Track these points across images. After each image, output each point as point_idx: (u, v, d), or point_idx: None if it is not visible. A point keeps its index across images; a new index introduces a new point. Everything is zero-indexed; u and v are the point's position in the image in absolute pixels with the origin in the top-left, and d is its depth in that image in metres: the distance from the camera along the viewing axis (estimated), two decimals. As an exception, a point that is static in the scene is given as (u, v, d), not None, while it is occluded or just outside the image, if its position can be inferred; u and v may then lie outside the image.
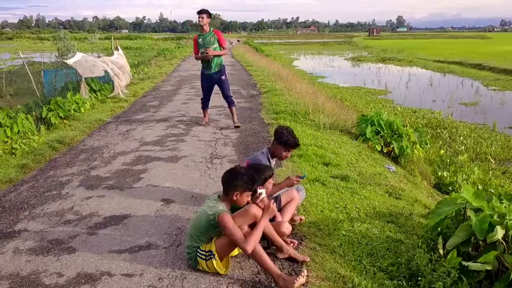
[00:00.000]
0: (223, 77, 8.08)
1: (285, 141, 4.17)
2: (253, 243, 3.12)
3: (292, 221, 4.08)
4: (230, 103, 8.30)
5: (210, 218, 3.23)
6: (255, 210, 3.35)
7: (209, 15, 7.82)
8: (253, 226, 3.31)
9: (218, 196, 3.45)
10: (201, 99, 8.60)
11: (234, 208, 3.47)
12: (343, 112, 11.22)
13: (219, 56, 7.99)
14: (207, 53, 7.70)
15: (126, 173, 5.81)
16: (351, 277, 3.28)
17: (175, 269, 3.38)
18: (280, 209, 3.95)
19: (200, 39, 7.90)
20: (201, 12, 7.75)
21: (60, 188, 5.30)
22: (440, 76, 27.40)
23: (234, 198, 3.34)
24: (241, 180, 3.33)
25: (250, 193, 3.41)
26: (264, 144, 6.87)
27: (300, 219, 4.19)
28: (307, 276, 3.22)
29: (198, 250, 3.28)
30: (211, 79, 8.16)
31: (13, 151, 6.69)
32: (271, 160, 4.29)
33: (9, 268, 3.44)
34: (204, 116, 8.76)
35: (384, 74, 29.56)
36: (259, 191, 3.50)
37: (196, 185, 5.30)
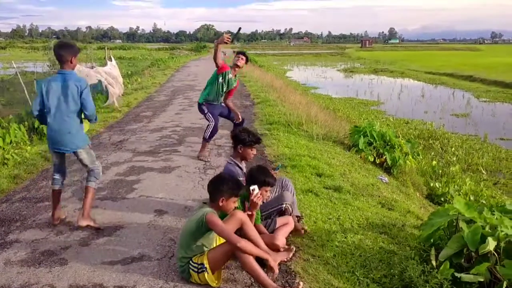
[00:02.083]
0: (223, 105, 7.19)
1: (249, 140, 4.28)
2: (245, 246, 3.12)
3: (297, 231, 4.14)
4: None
5: (199, 221, 3.23)
6: (241, 215, 3.38)
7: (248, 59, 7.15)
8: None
9: (204, 203, 3.46)
10: (214, 127, 7.03)
11: (222, 216, 3.48)
12: (336, 123, 11.30)
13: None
14: (229, 38, 6.38)
15: (119, 183, 5.78)
16: (344, 288, 3.28)
17: (168, 281, 3.36)
18: (273, 231, 3.95)
19: (230, 74, 6.92)
20: (242, 53, 7.07)
21: (53, 198, 5.26)
22: (431, 88, 27.67)
23: (220, 204, 3.34)
24: (227, 185, 3.34)
25: (236, 198, 3.42)
26: (257, 154, 6.86)
27: (304, 230, 4.20)
28: (301, 288, 3.22)
29: (190, 262, 3.27)
30: (218, 108, 7.13)
31: (5, 161, 6.65)
32: (241, 165, 4.34)
33: (0, 280, 3.40)
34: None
35: (377, 85, 29.80)
36: (251, 187, 3.54)
37: (189, 196, 5.29)
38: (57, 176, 4.46)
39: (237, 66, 6.96)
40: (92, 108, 4.21)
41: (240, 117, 7.26)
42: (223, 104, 7.19)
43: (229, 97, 7.21)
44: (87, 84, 4.24)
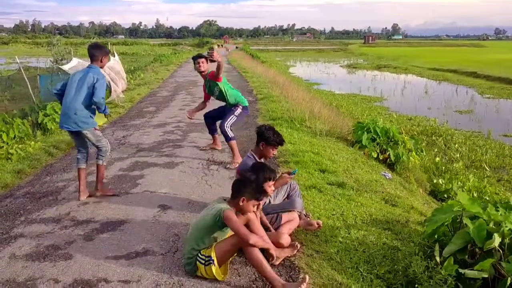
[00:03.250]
0: (233, 108, 6.60)
1: (273, 140, 4.29)
2: (256, 241, 3.15)
3: (309, 225, 4.13)
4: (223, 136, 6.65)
5: (216, 216, 3.26)
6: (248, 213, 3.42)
7: (207, 60, 6.54)
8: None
9: (224, 199, 3.49)
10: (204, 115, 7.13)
11: None
12: (339, 119, 11.27)
13: (226, 90, 6.53)
14: (212, 53, 6.02)
15: (123, 179, 5.80)
16: (348, 284, 3.29)
17: (172, 276, 3.37)
18: (279, 227, 3.95)
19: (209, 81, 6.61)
20: (199, 57, 6.60)
21: (57, 193, 5.28)
22: (435, 84, 27.57)
23: (241, 203, 3.38)
24: (250, 187, 3.39)
25: (257, 203, 3.44)
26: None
27: (318, 224, 4.16)
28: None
29: (199, 254, 3.29)
30: (224, 108, 6.80)
31: (9, 156, 6.68)
32: (258, 161, 4.33)
33: (5, 274, 3.42)
34: (214, 143, 7.38)
35: (380, 81, 29.72)
36: None
37: (193, 191, 5.30)
38: (79, 156, 5.06)
39: (202, 72, 6.56)
40: (99, 96, 4.64)
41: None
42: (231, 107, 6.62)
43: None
44: (105, 79, 4.81)
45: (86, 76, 4.72)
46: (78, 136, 4.92)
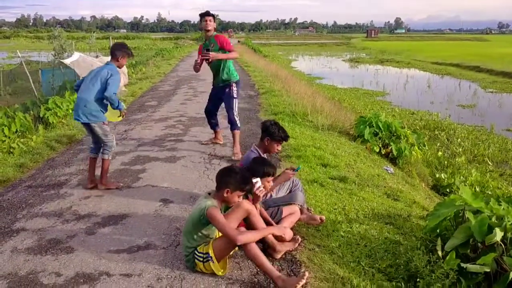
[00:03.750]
0: (227, 90, 6.42)
1: (277, 135, 4.29)
2: (246, 238, 3.12)
3: (312, 220, 4.13)
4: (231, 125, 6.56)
5: (200, 214, 3.22)
6: (247, 205, 3.37)
7: (214, 18, 6.34)
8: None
9: (209, 193, 3.44)
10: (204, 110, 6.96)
11: (227, 208, 3.48)
12: (341, 113, 11.26)
13: (225, 62, 6.27)
14: (208, 55, 5.97)
15: (125, 173, 5.80)
16: (350, 278, 3.28)
17: (174, 270, 3.38)
18: (279, 221, 3.94)
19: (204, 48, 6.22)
20: (206, 14, 6.26)
21: (59, 187, 5.29)
22: (438, 78, 27.48)
23: (225, 195, 3.31)
24: (234, 178, 3.31)
25: (242, 193, 3.38)
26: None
27: (321, 218, 4.16)
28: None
29: (196, 252, 3.28)
30: (216, 92, 6.65)
31: (11, 150, 6.68)
32: (262, 156, 4.33)
33: (7, 268, 3.43)
34: (215, 137, 7.21)
35: (382, 75, 29.63)
36: (254, 180, 3.48)
37: (194, 185, 5.30)
38: (92, 145, 5.25)
39: (208, 31, 6.21)
40: (110, 90, 4.73)
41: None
42: (227, 90, 6.40)
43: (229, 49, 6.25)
44: (119, 76, 4.90)
45: (101, 71, 4.87)
46: (89, 128, 5.02)
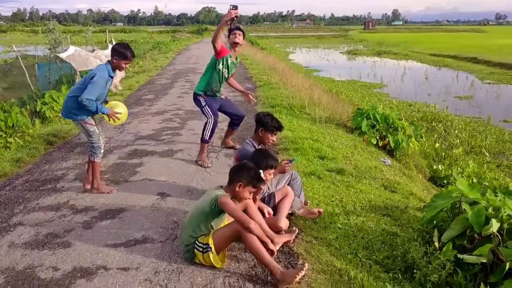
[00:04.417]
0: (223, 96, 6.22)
1: (271, 125, 4.35)
2: (255, 226, 3.15)
3: (311, 213, 4.15)
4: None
5: (212, 203, 3.25)
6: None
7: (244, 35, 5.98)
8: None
9: (221, 186, 3.48)
10: (213, 124, 5.98)
11: None
12: (338, 105, 11.25)
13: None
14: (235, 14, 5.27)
15: (122, 167, 5.79)
16: (347, 270, 3.29)
17: (171, 263, 3.38)
18: (275, 205, 3.95)
19: (230, 58, 5.88)
20: (237, 28, 5.84)
21: (56, 182, 5.28)
22: (435, 70, 27.47)
23: (237, 189, 3.35)
24: (248, 173, 3.37)
25: (253, 190, 3.42)
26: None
27: (319, 212, 4.17)
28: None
29: (196, 242, 3.28)
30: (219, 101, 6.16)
31: (8, 145, 6.66)
32: (257, 147, 4.34)
33: (4, 262, 3.42)
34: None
35: (380, 67, 29.58)
36: None
37: (192, 179, 5.29)
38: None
39: (236, 44, 5.83)
40: (83, 95, 4.45)
41: (250, 97, 6.33)
42: (223, 96, 6.19)
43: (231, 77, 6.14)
44: (103, 80, 4.62)
45: (92, 70, 4.80)
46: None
